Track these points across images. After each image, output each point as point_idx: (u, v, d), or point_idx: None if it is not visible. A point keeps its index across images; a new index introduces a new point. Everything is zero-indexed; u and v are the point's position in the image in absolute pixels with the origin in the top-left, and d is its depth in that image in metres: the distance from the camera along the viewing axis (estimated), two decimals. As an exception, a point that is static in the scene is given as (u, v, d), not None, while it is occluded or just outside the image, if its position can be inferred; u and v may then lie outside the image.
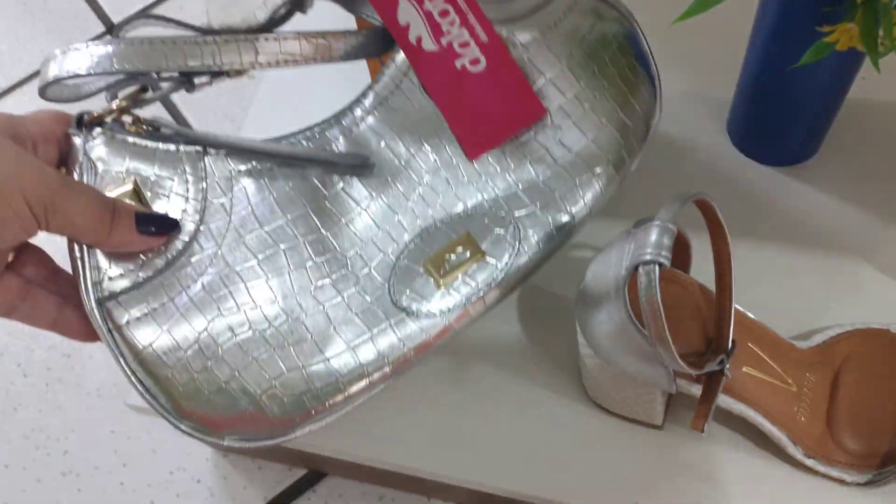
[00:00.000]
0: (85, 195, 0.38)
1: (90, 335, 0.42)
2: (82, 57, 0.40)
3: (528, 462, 0.50)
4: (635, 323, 0.40)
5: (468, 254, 0.43)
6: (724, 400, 0.45)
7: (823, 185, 0.57)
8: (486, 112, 0.44)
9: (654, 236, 0.38)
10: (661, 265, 0.38)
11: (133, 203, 0.41)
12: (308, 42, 0.42)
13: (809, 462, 0.47)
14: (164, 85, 0.42)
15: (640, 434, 0.50)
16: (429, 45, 0.43)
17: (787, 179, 0.58)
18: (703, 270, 0.47)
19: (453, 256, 0.43)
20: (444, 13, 0.43)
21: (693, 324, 0.45)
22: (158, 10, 0.83)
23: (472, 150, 0.44)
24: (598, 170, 0.45)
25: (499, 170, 0.45)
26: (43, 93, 0.40)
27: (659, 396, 0.47)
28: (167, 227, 0.41)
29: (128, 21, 0.42)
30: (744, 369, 0.46)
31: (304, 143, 0.44)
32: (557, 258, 0.50)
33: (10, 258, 0.40)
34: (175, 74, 0.41)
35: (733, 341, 0.44)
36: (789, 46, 0.49)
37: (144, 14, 0.41)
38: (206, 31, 0.41)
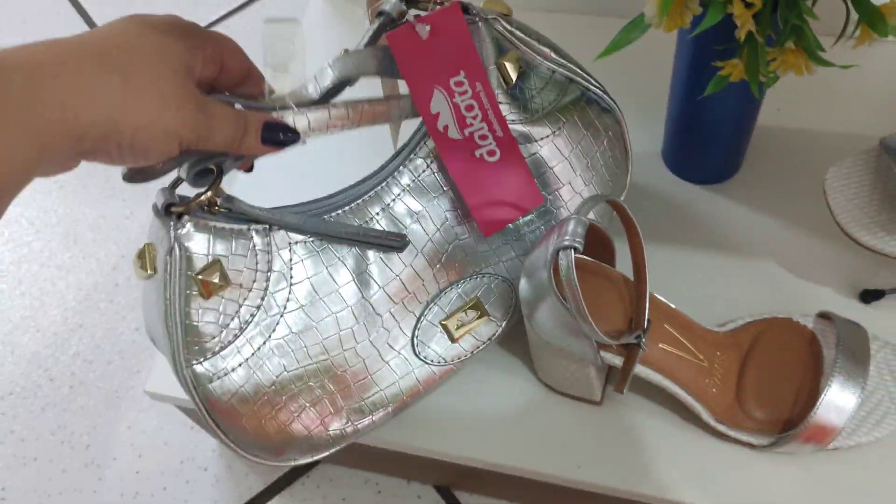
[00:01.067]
0: (227, 121, 0.42)
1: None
2: None
3: (486, 434, 0.58)
4: (560, 298, 0.49)
5: (476, 314, 0.55)
6: (643, 371, 0.53)
7: (741, 199, 0.67)
8: (498, 197, 0.52)
9: (570, 226, 0.47)
10: (575, 249, 0.47)
11: (219, 282, 0.46)
12: (372, 105, 0.48)
13: (721, 427, 0.55)
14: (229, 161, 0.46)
15: (583, 409, 0.58)
16: (454, 133, 0.50)
17: (710, 195, 0.67)
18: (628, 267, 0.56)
19: (465, 316, 0.54)
20: (469, 108, 0.50)
21: (617, 308, 0.54)
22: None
23: (487, 228, 0.53)
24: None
25: (503, 244, 0.55)
26: (127, 177, 0.44)
27: (594, 372, 0.55)
28: (291, 136, 0.45)
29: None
30: (660, 345, 0.54)
31: (351, 215, 0.51)
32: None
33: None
34: None
35: (649, 320, 0.53)
36: (700, 79, 0.58)
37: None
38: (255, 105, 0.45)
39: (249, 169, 0.48)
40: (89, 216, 0.90)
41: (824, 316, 0.57)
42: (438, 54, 0.49)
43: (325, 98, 0.48)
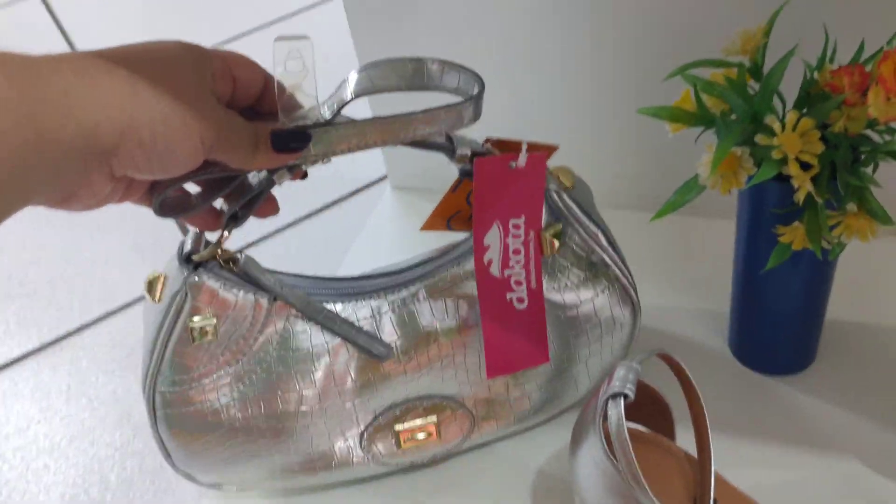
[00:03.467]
0: (244, 132, 0.41)
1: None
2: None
3: None
4: (609, 456, 0.44)
5: (428, 434, 0.54)
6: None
7: (817, 391, 0.61)
8: (512, 344, 0.52)
9: (620, 372, 0.43)
10: (625, 397, 0.42)
11: (210, 336, 0.49)
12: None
13: None
14: (254, 185, 0.47)
15: None
16: (495, 270, 0.50)
17: (783, 386, 0.61)
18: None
19: (419, 433, 0.54)
20: (516, 251, 0.50)
21: (677, 484, 0.48)
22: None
23: (491, 370, 0.52)
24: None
25: (495, 384, 0.55)
26: (158, 210, 0.44)
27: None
28: (300, 141, 0.43)
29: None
30: (728, 533, 0.47)
31: (351, 310, 0.51)
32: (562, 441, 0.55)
33: None
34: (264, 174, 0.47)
35: (715, 500, 0.46)
36: (762, 252, 0.56)
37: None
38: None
39: (304, 176, 0.47)
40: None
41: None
42: (512, 193, 0.49)
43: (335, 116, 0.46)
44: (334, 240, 0.92)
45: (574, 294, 0.53)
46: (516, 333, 0.51)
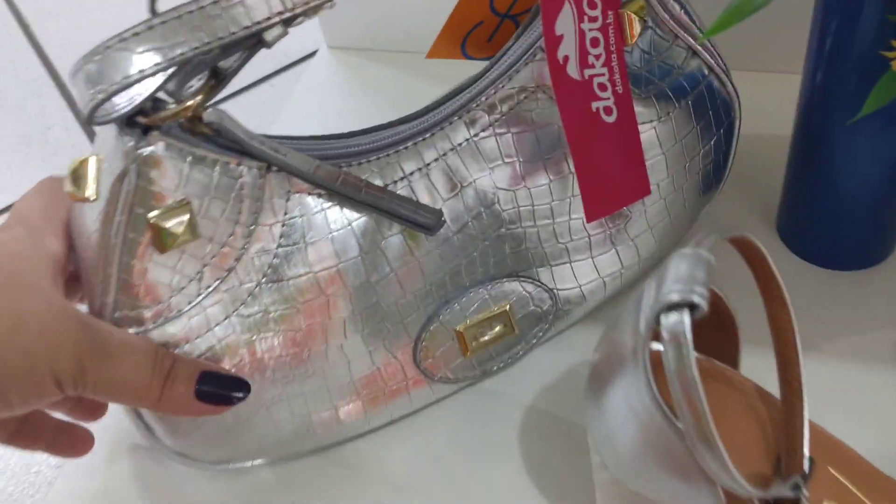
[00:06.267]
0: (130, 357, 0.31)
1: (79, 448, 0.38)
2: (125, 60, 0.30)
3: None
4: (664, 409, 0.26)
5: (501, 328, 0.40)
6: (803, 548, 0.30)
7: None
8: (609, 170, 0.38)
9: (682, 268, 0.25)
10: (695, 308, 0.24)
11: (184, 234, 0.33)
12: None
13: None
14: (233, 58, 0.33)
15: None
16: (573, 70, 0.36)
17: (849, 285, 0.44)
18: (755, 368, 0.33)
19: (487, 329, 0.39)
20: (595, 42, 0.36)
21: (752, 436, 0.31)
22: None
23: (592, 212, 0.38)
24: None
25: (557, 244, 0.40)
26: (91, 118, 0.31)
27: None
28: (236, 392, 0.34)
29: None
30: (825, 503, 0.31)
31: (375, 169, 0.36)
32: (572, 374, 0.40)
33: None
34: (239, 37, 0.31)
35: (811, 459, 0.30)
36: (845, 95, 0.38)
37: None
38: None
39: None
40: None
41: None
42: None
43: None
44: (267, 118, 0.73)
45: (667, 98, 0.39)
46: (611, 157, 0.38)
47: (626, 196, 0.38)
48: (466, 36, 0.43)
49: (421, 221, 0.36)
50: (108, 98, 0.30)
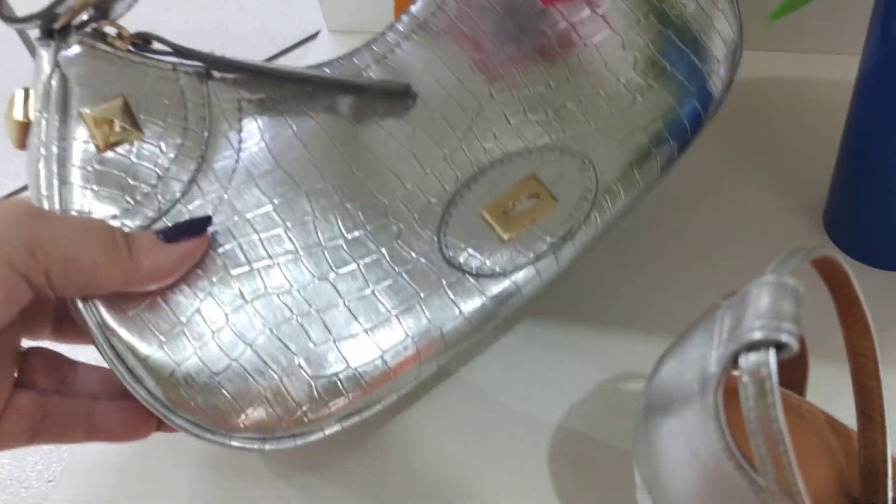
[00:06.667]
0: (88, 233, 0.28)
1: (134, 430, 0.32)
2: None
3: None
4: (739, 459, 0.23)
5: (536, 200, 0.34)
6: None
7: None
8: None
9: (766, 299, 0.21)
10: (781, 348, 0.21)
11: (123, 125, 0.31)
12: None
13: None
14: None
15: None
16: None
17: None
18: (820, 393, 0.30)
19: (517, 204, 0.34)
20: None
21: (824, 475, 0.27)
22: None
23: None
24: (676, 99, 0.36)
25: (564, 104, 0.35)
26: (6, 7, 0.30)
27: None
28: (200, 227, 0.31)
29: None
30: (914, 552, 0.27)
31: (328, 71, 0.35)
32: (607, 392, 0.36)
33: (14, 373, 0.31)
34: None
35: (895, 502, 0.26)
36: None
37: None
38: None
39: None
40: None
41: None
42: None
43: None
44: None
45: None
46: None
47: None
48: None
49: (390, 90, 0.34)
50: None
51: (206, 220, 0.31)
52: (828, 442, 0.28)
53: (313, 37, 0.66)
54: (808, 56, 0.49)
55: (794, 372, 0.29)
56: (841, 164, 0.41)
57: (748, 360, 0.21)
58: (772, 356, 0.21)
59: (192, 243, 0.30)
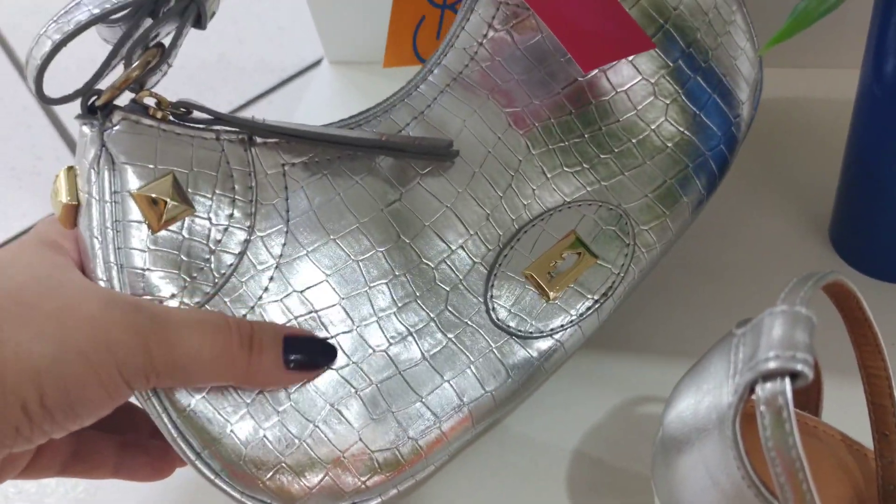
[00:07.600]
0: (199, 330, 0.28)
1: (158, 471, 0.32)
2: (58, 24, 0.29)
3: None
4: (759, 487, 0.23)
5: (577, 257, 0.35)
6: None
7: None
8: (591, 28, 0.34)
9: (779, 329, 0.21)
10: (796, 377, 0.21)
11: (174, 202, 0.30)
12: None
13: None
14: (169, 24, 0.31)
15: None
16: None
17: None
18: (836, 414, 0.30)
19: (559, 263, 0.34)
20: None
21: (839, 492, 0.28)
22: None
23: (586, 60, 0.33)
24: (705, 146, 0.36)
25: (599, 154, 0.36)
26: (40, 88, 0.29)
27: None
28: (323, 355, 0.31)
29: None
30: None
31: (366, 128, 0.35)
32: (624, 416, 0.36)
33: None
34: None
35: (916, 523, 0.26)
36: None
37: None
38: None
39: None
40: None
41: None
42: None
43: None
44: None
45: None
46: (588, 16, 0.34)
47: (625, 47, 0.34)
48: (415, 38, 0.41)
49: (433, 150, 0.33)
50: (51, 54, 0.28)
51: (332, 355, 0.31)
52: (845, 463, 0.28)
53: (313, 66, 0.66)
54: (809, 71, 0.50)
55: (808, 392, 0.29)
56: (845, 177, 0.41)
57: (764, 389, 0.21)
58: (787, 385, 0.21)
59: (310, 374, 0.30)
